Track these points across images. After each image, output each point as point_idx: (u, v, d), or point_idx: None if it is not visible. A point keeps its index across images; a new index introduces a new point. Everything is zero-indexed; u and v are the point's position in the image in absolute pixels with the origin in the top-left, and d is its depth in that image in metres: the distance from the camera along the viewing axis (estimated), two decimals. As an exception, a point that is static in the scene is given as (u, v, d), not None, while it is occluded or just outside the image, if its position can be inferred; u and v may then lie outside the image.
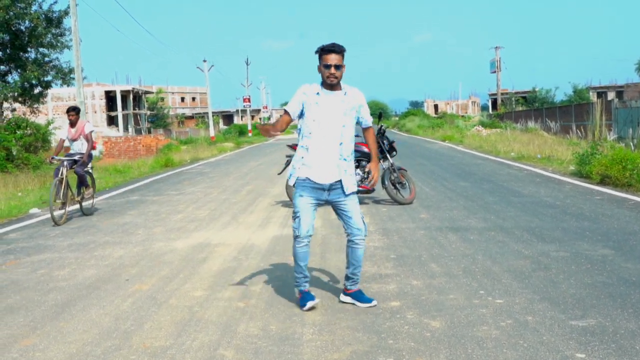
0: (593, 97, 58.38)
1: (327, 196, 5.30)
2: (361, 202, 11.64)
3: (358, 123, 5.48)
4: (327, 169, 5.22)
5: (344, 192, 5.28)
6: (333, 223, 9.61)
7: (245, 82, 73.88)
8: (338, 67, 5.13)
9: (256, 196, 13.46)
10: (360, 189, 11.22)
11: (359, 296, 5.40)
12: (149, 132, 57.88)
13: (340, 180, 5.25)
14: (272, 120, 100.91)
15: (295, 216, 5.31)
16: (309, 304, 5.25)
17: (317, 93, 5.23)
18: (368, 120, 5.50)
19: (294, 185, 5.36)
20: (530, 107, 53.17)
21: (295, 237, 5.30)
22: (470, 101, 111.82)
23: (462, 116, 79.76)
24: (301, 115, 5.28)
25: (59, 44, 23.85)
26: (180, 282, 6.42)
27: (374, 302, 5.32)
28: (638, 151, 15.62)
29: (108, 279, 6.70)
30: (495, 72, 66.79)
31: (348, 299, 5.43)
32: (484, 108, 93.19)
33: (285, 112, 5.30)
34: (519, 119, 43.92)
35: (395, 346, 4.37)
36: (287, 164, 11.62)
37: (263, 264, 7.12)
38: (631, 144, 18.68)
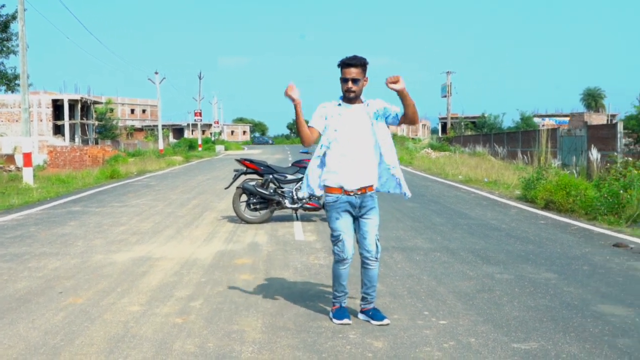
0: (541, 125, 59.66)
1: (358, 212, 5.20)
2: (308, 219, 11.55)
3: (392, 123, 5.27)
4: (357, 174, 5.13)
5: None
6: (279, 239, 9.47)
7: (197, 96, 73.30)
8: (356, 81, 5.02)
9: (202, 210, 13.22)
10: (308, 206, 11.14)
11: (373, 314, 5.27)
12: (97, 142, 56.78)
13: (370, 188, 5.20)
14: (224, 136, 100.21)
15: (337, 239, 5.16)
16: (345, 320, 5.18)
17: (339, 104, 5.16)
18: (398, 109, 5.17)
19: (323, 206, 5.29)
20: (479, 132, 54.12)
21: (341, 260, 5.17)
22: (421, 124, 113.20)
23: (413, 138, 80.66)
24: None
25: (4, 49, 23.25)
26: (117, 296, 6.18)
27: (386, 321, 5.17)
28: (581, 178, 15.93)
29: (41, 291, 6.41)
30: (446, 96, 67.78)
31: (363, 317, 5.30)
32: (434, 131, 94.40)
33: (311, 127, 5.17)
34: (467, 143, 44.60)
35: (335, 367, 4.25)
36: (235, 178, 11.46)
37: (205, 279, 6.93)
38: (574, 170, 19.07)
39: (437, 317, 5.42)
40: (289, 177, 11.20)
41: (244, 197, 11.23)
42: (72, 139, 55.55)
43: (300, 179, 11.19)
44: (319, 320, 5.32)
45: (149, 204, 14.58)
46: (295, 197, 11.07)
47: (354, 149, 5.10)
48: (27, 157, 21.09)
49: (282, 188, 11.16)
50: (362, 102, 5.17)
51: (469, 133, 57.63)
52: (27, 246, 9.04)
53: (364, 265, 5.26)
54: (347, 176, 5.11)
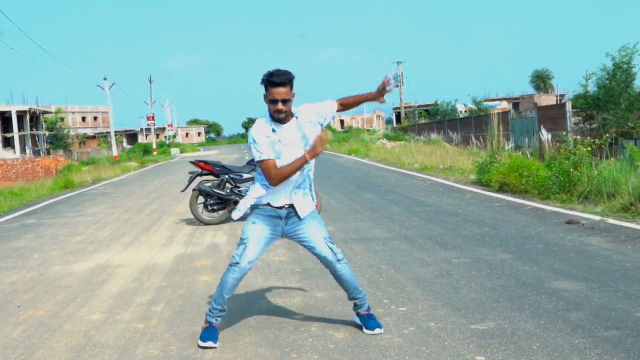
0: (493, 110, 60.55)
1: (285, 226, 4.78)
2: (267, 217, 11.55)
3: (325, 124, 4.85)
4: (290, 192, 4.71)
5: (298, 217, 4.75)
6: (238, 239, 9.46)
7: (149, 100, 72.51)
8: (286, 101, 4.51)
9: (160, 215, 13.13)
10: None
11: (364, 320, 4.88)
12: (48, 153, 55.82)
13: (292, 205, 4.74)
14: (178, 139, 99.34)
15: (242, 242, 4.75)
16: (210, 343, 4.67)
17: (273, 130, 4.60)
18: (330, 107, 4.84)
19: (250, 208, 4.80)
20: (433, 120, 54.65)
21: (235, 264, 4.74)
22: (375, 115, 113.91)
23: (368, 130, 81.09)
24: None
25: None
26: (77, 306, 6.13)
27: (377, 330, 4.77)
28: (534, 159, 16.24)
29: (-2, 306, 6.32)
30: (398, 86, 68.30)
31: (357, 320, 4.94)
32: (388, 122, 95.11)
33: (266, 160, 4.55)
34: (422, 131, 45.02)
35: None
36: (190, 180, 11.41)
37: (165, 283, 6.92)
38: (527, 152, 19.43)
39: (397, 304, 5.51)
40: (245, 175, 11.20)
41: (201, 199, 11.20)
42: (23, 150, 54.50)
43: (257, 177, 11.19)
44: (280, 316, 5.37)
45: (105, 212, 14.42)
46: (252, 195, 11.06)
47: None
48: (-23, 172, 20.63)
49: (238, 187, 11.15)
50: (292, 117, 4.67)
51: (423, 121, 58.17)
52: (-18, 262, 8.87)
53: (332, 273, 4.91)
54: (280, 194, 4.73)
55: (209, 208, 11.10)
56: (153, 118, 70.05)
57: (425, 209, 11.49)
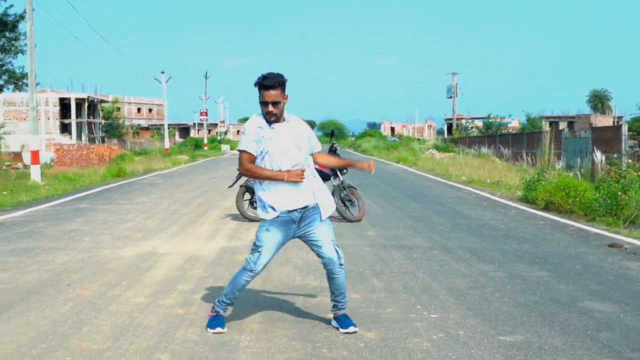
0: (545, 126, 59.85)
1: (297, 229, 5.00)
2: (310, 218, 11.76)
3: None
4: (291, 193, 4.92)
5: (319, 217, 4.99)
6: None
7: (203, 96, 73.62)
8: (276, 103, 4.78)
9: (207, 208, 13.46)
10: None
11: (340, 320, 5.10)
12: (103, 141, 57.20)
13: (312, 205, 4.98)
14: (229, 135, 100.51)
15: (256, 249, 4.99)
16: (219, 329, 4.98)
17: (261, 127, 4.87)
18: (316, 144, 5.15)
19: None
20: (484, 134, 54.22)
21: (250, 270, 5.00)
22: (427, 125, 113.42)
23: (418, 139, 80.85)
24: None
25: (12, 48, 23.53)
26: (123, 289, 6.43)
27: (352, 329, 5.00)
28: (585, 180, 16.09)
29: (49, 283, 6.66)
30: (452, 97, 67.94)
31: (334, 323, 5.14)
32: (439, 132, 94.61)
33: (246, 152, 4.87)
34: (472, 144, 44.74)
35: (329, 355, 4.49)
36: (238, 177, 11.67)
37: (207, 274, 7.17)
38: (578, 172, 19.23)
39: (429, 311, 5.64)
40: (292, 176, 11.41)
41: (247, 196, 11.46)
42: (79, 137, 55.94)
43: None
44: (315, 313, 5.55)
45: (154, 202, 14.83)
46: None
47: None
48: (35, 155, 21.38)
49: (284, 187, 11.37)
50: (284, 120, 4.93)
51: (475, 134, 57.74)
52: (36, 241, 9.29)
53: (329, 275, 5.08)
54: (281, 196, 4.93)
55: (254, 205, 11.35)
56: (206, 114, 71.18)
57: (468, 221, 11.54)
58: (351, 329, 5.01)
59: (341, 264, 5.06)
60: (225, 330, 5.01)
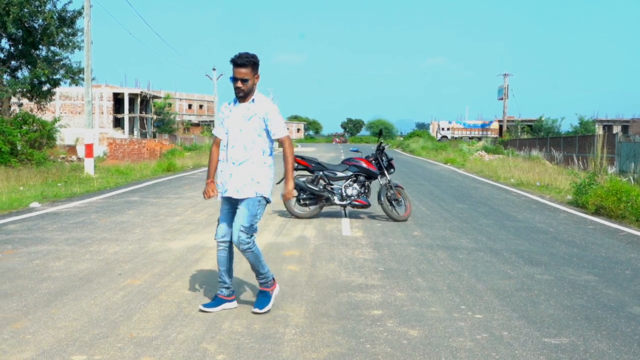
0: (599, 129, 58.57)
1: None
2: (356, 216, 11.82)
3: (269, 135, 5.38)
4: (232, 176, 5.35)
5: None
6: (327, 234, 9.77)
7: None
8: (244, 80, 5.13)
9: (254, 204, 13.59)
10: (356, 203, 11.41)
11: (258, 297, 5.56)
12: (154, 136, 58.12)
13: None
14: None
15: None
16: (208, 308, 5.43)
17: (229, 106, 5.38)
18: (276, 131, 5.32)
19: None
20: (535, 136, 53.42)
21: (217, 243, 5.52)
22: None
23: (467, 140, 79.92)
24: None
25: (70, 44, 24.06)
26: (172, 280, 6.58)
27: (258, 309, 5.39)
28: (637, 185, 15.75)
29: (101, 272, 6.86)
30: (502, 99, 67.08)
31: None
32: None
33: (215, 136, 5.54)
34: (522, 146, 44.13)
35: (372, 350, 4.53)
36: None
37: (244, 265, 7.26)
38: (631, 177, 18.83)
39: (473, 311, 5.64)
40: (339, 174, 11.49)
41: (294, 193, 11.55)
42: (131, 131, 56.98)
43: (350, 177, 11.47)
44: (359, 310, 5.60)
45: (203, 197, 15.03)
46: (344, 194, 11.37)
47: (230, 150, 5.33)
48: (89, 149, 21.90)
49: (331, 185, 11.47)
50: (249, 100, 5.29)
51: (525, 137, 56.90)
52: (89, 232, 9.55)
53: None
54: (224, 177, 5.39)
55: (302, 202, 11.46)
56: (256, 111, 71.49)
57: (516, 224, 11.43)
58: (257, 309, 5.40)
59: (244, 250, 5.32)
60: (208, 310, 5.40)
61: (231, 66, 5.16)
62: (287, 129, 5.42)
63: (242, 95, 5.22)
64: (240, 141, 5.29)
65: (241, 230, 5.26)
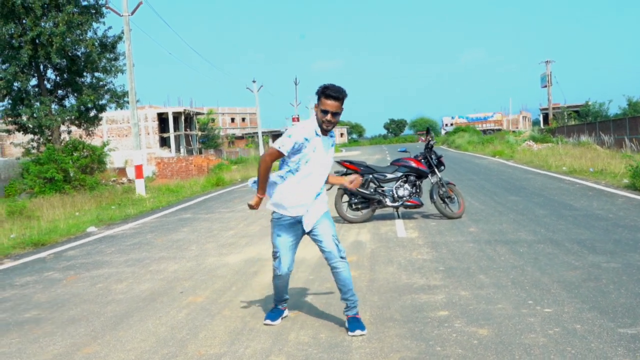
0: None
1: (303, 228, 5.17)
2: (409, 217, 11.72)
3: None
4: (303, 204, 5.14)
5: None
6: (382, 237, 9.70)
7: (294, 102, 74.49)
8: (336, 114, 4.94)
9: (306, 212, 13.60)
10: (409, 203, 11.31)
11: (349, 322, 5.07)
12: (200, 152, 58.84)
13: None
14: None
15: (275, 256, 5.29)
16: (268, 321, 5.39)
17: (316, 137, 5.06)
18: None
19: (271, 221, 5.36)
20: (583, 121, 52.31)
21: (278, 276, 5.32)
22: (521, 116, 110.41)
23: (513, 131, 78.82)
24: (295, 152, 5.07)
25: (113, 69, 24.58)
26: (233, 295, 6.60)
27: (359, 332, 4.94)
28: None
29: (163, 291, 6.92)
30: (546, 86, 65.92)
31: (346, 325, 5.12)
32: (535, 123, 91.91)
33: (278, 151, 5.08)
34: (571, 133, 43.27)
35: (443, 353, 4.45)
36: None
37: (312, 277, 7.26)
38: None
39: (542, 305, 5.50)
40: (389, 176, 11.41)
41: (346, 198, 11.53)
42: (178, 149, 57.75)
43: (400, 178, 11.38)
44: (425, 312, 5.52)
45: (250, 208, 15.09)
46: (395, 195, 11.28)
47: (312, 182, 5.13)
48: (139, 169, 22.24)
49: (382, 187, 11.39)
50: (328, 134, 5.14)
51: (573, 123, 55.77)
52: (146, 252, 9.67)
53: (332, 270, 5.12)
54: (296, 203, 5.15)
55: (353, 207, 11.41)
56: (298, 119, 71.84)
57: (574, 212, 11.17)
58: (357, 332, 4.97)
59: (342, 257, 5.07)
60: (274, 323, 5.37)
61: (318, 97, 4.97)
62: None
63: (330, 129, 5.06)
64: (325, 173, 5.21)
65: (337, 240, 5.13)
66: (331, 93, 4.88)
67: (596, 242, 8.32)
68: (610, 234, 8.86)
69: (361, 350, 4.62)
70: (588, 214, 10.92)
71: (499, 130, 72.08)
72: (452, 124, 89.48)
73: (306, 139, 4.99)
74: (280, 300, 5.51)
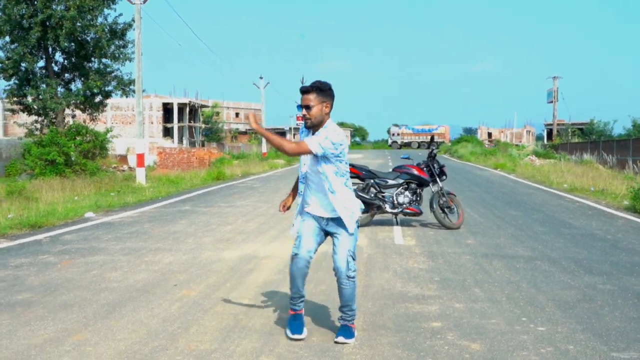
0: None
1: (325, 225, 5.02)
2: (408, 224, 11.70)
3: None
4: (309, 203, 5.06)
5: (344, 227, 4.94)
6: (379, 243, 9.68)
7: (299, 101, 74.39)
8: (307, 107, 4.83)
9: (304, 213, 13.57)
10: (408, 211, 11.29)
11: (340, 329, 5.01)
12: (203, 145, 58.78)
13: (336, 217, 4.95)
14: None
15: (297, 237, 5.05)
16: (296, 335, 4.98)
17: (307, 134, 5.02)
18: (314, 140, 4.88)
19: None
20: (587, 139, 52.28)
21: (294, 255, 4.99)
22: (525, 130, 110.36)
23: (516, 145, 78.81)
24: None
25: (121, 56, 24.51)
26: (227, 291, 6.58)
27: (341, 339, 4.89)
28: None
29: (157, 283, 6.91)
30: (552, 102, 65.84)
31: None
32: (539, 138, 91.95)
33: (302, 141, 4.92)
34: (574, 150, 43.23)
35: (433, 365, 4.43)
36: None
37: (308, 278, 7.21)
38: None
39: (535, 323, 5.49)
40: (390, 182, 11.39)
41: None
42: (180, 141, 57.73)
43: (401, 184, 11.36)
44: (417, 321, 5.50)
45: (253, 205, 15.12)
46: (395, 201, 11.26)
47: (311, 178, 5.04)
48: (141, 158, 22.22)
49: (382, 193, 11.37)
50: (321, 127, 4.91)
51: (576, 140, 55.75)
52: (143, 241, 9.65)
53: (338, 284, 4.96)
54: (309, 202, 5.06)
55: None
56: (302, 118, 71.76)
57: (572, 231, 11.15)
58: (340, 339, 4.90)
59: (349, 277, 4.89)
60: (302, 337, 4.98)
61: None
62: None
63: (310, 125, 4.92)
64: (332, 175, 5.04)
65: (352, 257, 4.93)
66: (302, 88, 4.88)
67: (593, 262, 8.30)
68: (608, 255, 8.85)
69: (352, 356, 4.60)
70: (587, 233, 10.90)
71: (442, 142, 77.54)
72: (398, 134, 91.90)
73: (345, 139, 4.95)
74: (296, 297, 5.04)
